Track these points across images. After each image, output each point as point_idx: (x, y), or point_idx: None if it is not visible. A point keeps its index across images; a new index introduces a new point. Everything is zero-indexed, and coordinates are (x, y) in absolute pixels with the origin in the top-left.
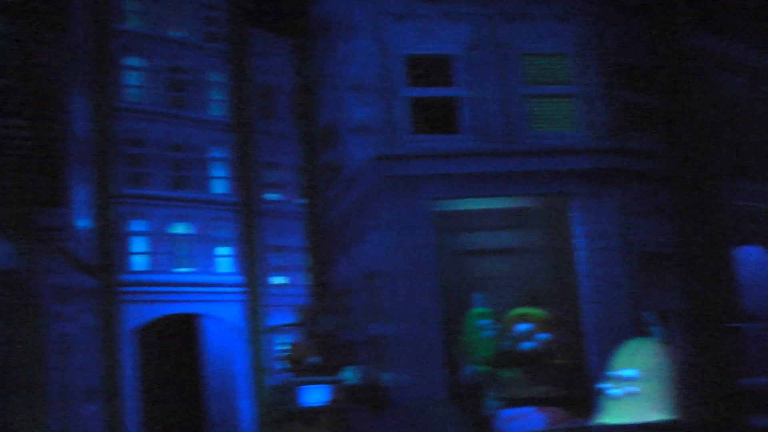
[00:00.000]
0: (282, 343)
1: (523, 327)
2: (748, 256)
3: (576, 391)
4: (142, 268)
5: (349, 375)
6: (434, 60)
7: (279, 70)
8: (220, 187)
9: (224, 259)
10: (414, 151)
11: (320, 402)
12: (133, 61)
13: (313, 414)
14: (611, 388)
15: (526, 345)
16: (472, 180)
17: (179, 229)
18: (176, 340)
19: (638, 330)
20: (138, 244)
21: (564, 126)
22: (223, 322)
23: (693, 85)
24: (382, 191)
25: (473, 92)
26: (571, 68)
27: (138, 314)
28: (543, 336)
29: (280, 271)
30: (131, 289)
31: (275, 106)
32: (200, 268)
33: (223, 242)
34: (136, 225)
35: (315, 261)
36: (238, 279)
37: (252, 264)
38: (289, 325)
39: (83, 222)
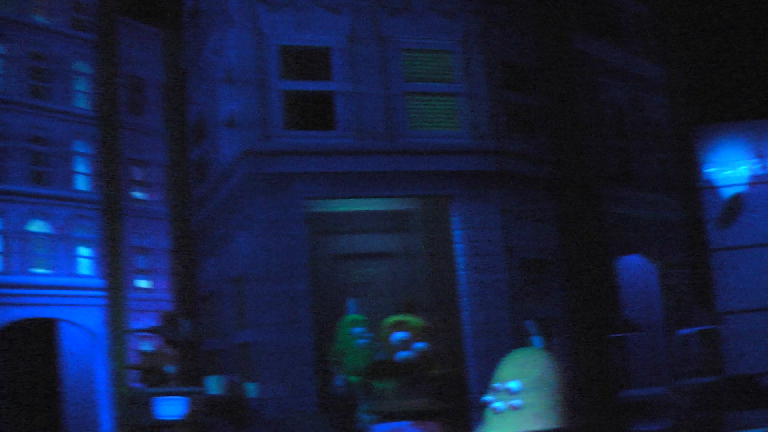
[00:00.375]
0: (138, 351)
1: (399, 336)
2: (630, 266)
3: (455, 403)
4: None
5: (211, 385)
6: (311, 52)
7: (149, 62)
8: (82, 183)
9: (85, 261)
10: (287, 146)
11: (176, 415)
12: None
13: (168, 428)
14: (495, 401)
15: (402, 355)
16: (348, 179)
17: (37, 227)
18: (32, 346)
19: (519, 339)
20: None
21: (446, 125)
22: (82, 327)
23: (579, 89)
24: (252, 189)
25: (352, 87)
26: (455, 66)
27: None
28: (420, 345)
29: (144, 274)
30: None
31: (144, 99)
32: (59, 270)
33: (85, 242)
34: None
35: (181, 263)
36: (100, 282)
37: (115, 266)
38: (144, 330)
39: None
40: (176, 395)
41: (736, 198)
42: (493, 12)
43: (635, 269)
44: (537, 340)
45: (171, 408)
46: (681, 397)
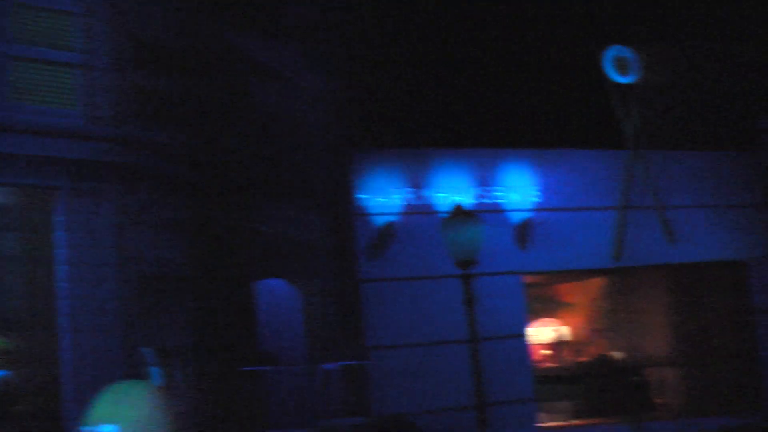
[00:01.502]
0: None
1: None
2: (271, 291)
3: None
4: None
5: None
6: None
7: None
8: None
9: None
10: None
11: None
12: None
13: None
14: None
15: None
16: None
17: None
18: None
19: (132, 370)
20: None
21: (58, 102)
22: None
23: (226, 85)
24: None
25: None
26: (77, 32)
27: None
28: (1, 374)
29: None
30: None
31: None
32: None
33: None
34: None
35: None
36: None
37: None
38: None
39: None
40: None
41: (388, 227)
42: None
43: (277, 295)
44: (155, 371)
45: None
46: None
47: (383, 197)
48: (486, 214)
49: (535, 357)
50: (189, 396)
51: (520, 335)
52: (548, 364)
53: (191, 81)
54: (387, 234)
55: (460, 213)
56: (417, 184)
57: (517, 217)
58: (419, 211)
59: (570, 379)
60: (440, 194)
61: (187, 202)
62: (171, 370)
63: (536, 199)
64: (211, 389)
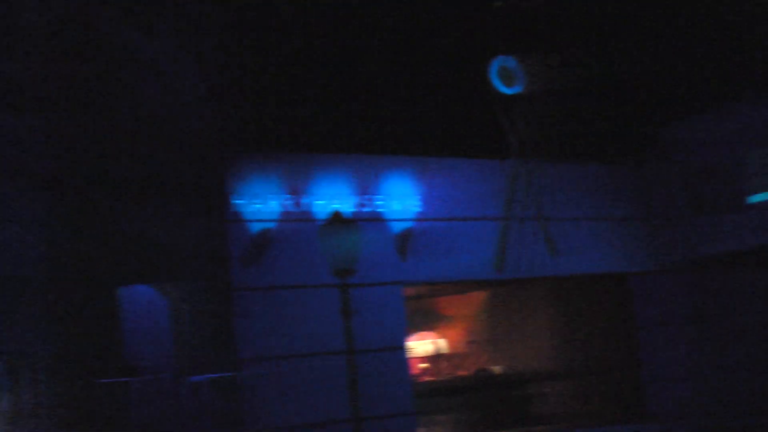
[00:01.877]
0: None
1: None
2: (136, 296)
3: None
4: None
5: None
6: None
7: None
8: None
9: None
10: None
11: None
12: None
13: None
14: None
15: None
16: None
17: None
18: None
19: None
20: None
21: None
22: None
23: (96, 75)
24: None
25: None
26: None
27: None
28: None
29: None
30: None
31: None
32: None
33: None
34: None
35: None
36: None
37: None
38: None
39: None
40: None
41: (265, 234)
42: None
43: (142, 301)
44: (2, 382)
45: None
46: None
47: (260, 203)
48: (366, 222)
49: (415, 370)
50: (40, 409)
51: (400, 348)
52: (428, 378)
53: (56, 67)
54: (263, 241)
55: (338, 220)
56: (296, 190)
57: (398, 226)
58: (297, 218)
59: (449, 392)
60: (319, 201)
61: (47, 198)
62: (20, 381)
63: (418, 209)
64: (67, 402)
